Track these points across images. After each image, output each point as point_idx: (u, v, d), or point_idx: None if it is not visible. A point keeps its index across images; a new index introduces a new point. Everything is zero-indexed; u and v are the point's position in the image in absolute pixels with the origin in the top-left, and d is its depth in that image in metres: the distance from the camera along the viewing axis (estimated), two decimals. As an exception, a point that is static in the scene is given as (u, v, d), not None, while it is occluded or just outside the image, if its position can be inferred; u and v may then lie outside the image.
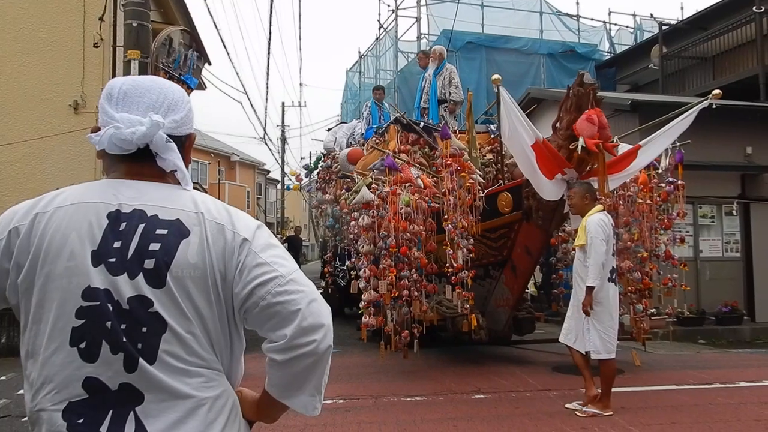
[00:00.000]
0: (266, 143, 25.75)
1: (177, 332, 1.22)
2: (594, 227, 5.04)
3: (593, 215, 5.13)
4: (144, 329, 1.20)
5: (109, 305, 1.19)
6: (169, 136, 1.32)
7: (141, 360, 1.19)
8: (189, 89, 9.96)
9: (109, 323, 1.18)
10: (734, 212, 11.09)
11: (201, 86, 12.72)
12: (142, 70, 6.98)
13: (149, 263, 1.22)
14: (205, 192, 19.98)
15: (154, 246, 1.23)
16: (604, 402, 5.07)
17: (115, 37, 8.98)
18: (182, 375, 1.22)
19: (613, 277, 5.19)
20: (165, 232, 1.25)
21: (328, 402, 5.65)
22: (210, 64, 12.19)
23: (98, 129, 1.33)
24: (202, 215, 1.29)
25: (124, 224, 1.24)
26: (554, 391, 5.92)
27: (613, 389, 5.20)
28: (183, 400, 1.22)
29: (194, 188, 1.43)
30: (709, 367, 7.29)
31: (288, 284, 1.27)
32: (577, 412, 5.10)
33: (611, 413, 5.01)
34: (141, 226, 1.24)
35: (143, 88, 1.34)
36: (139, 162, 1.33)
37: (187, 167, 1.40)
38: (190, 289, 1.24)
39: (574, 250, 5.52)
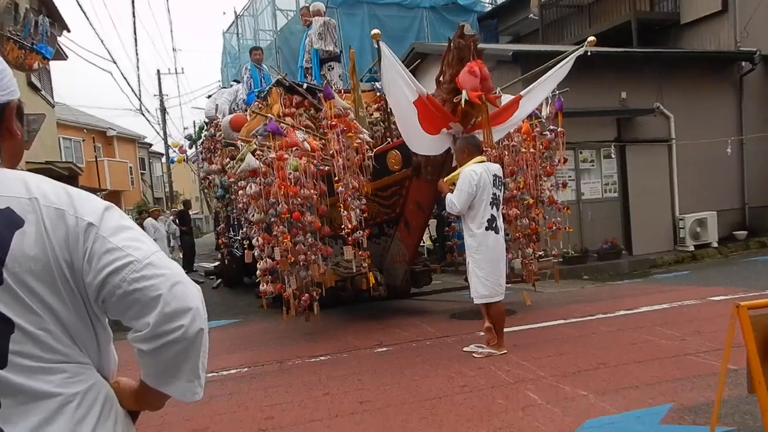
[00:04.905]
0: (143, 114, 24.53)
1: (28, 331, 1.11)
2: (462, 178, 5.19)
3: (467, 166, 5.25)
4: None
5: None
6: None
7: None
8: (45, 59, 9.18)
9: None
10: (612, 155, 11.78)
11: (60, 56, 11.73)
12: (-11, 40, 6.33)
13: None
14: (81, 171, 18.57)
15: None
16: (498, 342, 5.32)
17: (-49, 4, 8.08)
18: (41, 374, 1.13)
19: (494, 226, 5.24)
20: None
21: (233, 371, 5.58)
22: (68, 31, 11.28)
23: None
24: (37, 201, 1.16)
25: None
26: (452, 337, 6.14)
27: (506, 329, 5.47)
28: (46, 400, 1.13)
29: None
30: (591, 301, 7.80)
31: (145, 269, 1.16)
32: (474, 354, 5.32)
33: (505, 351, 5.26)
34: None
35: None
36: None
37: (16, 140, 1.26)
38: (32, 284, 1.12)
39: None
